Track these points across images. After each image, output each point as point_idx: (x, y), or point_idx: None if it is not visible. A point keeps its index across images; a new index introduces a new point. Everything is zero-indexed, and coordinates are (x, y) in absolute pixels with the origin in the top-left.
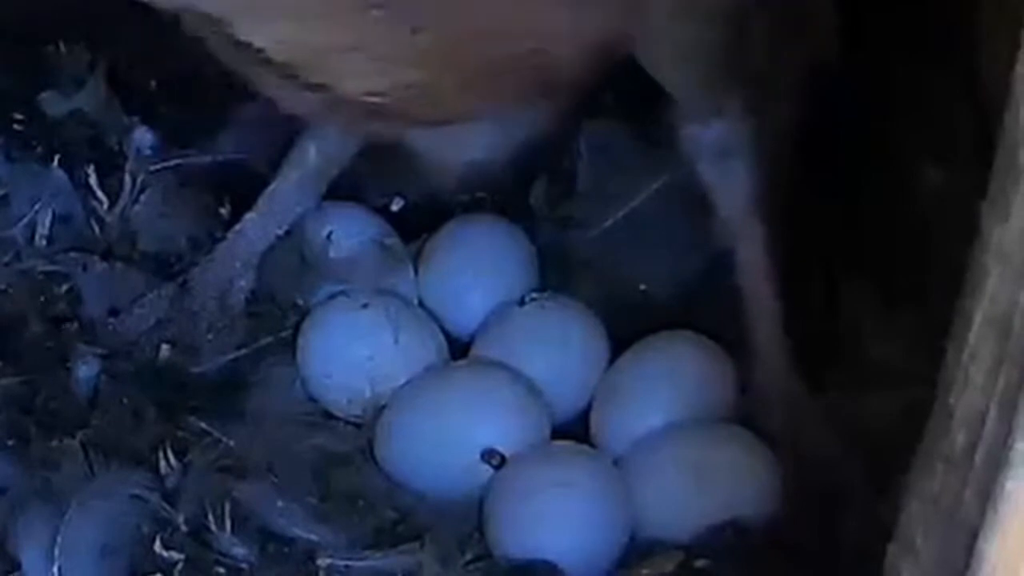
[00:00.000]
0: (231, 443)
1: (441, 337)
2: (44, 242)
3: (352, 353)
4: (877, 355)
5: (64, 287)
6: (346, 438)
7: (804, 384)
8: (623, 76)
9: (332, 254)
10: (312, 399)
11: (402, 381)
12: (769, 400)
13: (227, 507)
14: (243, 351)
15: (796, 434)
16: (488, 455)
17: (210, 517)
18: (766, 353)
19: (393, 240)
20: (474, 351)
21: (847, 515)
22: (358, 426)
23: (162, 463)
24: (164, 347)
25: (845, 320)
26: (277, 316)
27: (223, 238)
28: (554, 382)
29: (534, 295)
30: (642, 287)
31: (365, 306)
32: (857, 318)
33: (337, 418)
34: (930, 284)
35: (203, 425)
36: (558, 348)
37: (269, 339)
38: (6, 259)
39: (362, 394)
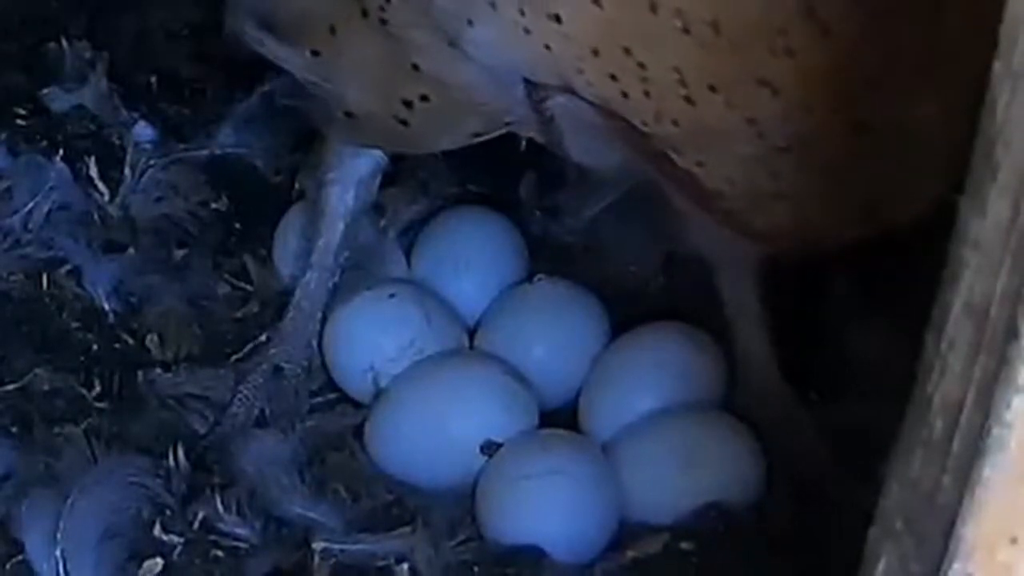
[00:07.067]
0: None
1: (459, 326)
2: (42, 230)
3: (376, 339)
4: (859, 353)
5: (63, 272)
6: (341, 423)
7: (786, 379)
8: None
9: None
10: (329, 382)
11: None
12: (752, 392)
13: (226, 491)
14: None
15: (778, 426)
16: (486, 447)
17: (209, 501)
18: (750, 348)
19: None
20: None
21: (827, 501)
22: (356, 411)
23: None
24: None
25: (828, 319)
26: None
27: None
28: (545, 369)
29: (540, 276)
30: (631, 272)
31: (392, 296)
32: (840, 317)
33: (342, 403)
34: (913, 285)
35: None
36: (549, 336)
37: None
38: (5, 246)
39: (380, 379)
